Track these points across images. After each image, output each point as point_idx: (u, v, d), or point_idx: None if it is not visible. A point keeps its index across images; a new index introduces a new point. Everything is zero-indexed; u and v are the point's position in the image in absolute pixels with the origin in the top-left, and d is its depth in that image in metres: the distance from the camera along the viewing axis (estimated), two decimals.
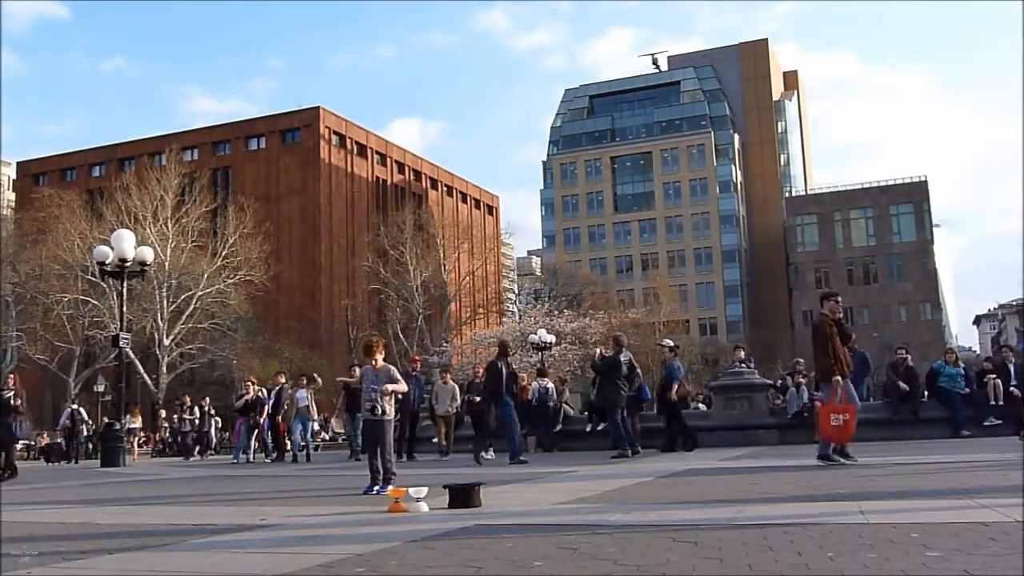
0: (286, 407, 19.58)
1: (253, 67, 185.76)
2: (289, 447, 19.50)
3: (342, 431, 29.09)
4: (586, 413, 19.14)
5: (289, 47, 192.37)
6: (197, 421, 26.36)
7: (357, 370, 17.40)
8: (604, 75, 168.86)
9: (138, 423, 28.08)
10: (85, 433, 28.91)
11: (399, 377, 8.69)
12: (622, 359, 14.40)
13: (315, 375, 21.51)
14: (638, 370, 15.60)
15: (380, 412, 8.38)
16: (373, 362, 8.55)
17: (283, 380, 20.95)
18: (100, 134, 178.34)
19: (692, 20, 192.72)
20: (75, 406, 28.98)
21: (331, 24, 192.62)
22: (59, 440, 29.19)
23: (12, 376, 18.33)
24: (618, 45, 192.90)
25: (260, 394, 20.36)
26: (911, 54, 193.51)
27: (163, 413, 35.12)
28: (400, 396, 9.19)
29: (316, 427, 21.35)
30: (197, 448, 25.40)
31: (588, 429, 17.73)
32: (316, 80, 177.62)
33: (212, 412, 27.04)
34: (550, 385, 19.10)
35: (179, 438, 26.88)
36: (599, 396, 16.00)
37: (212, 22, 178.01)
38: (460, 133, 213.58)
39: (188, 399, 28.15)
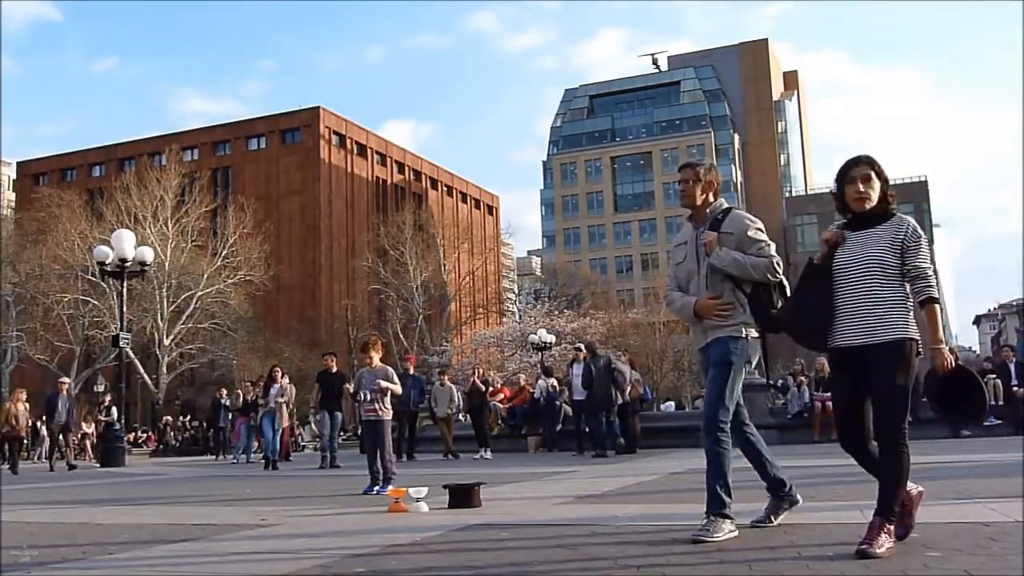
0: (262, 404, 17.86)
1: (245, 68, 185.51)
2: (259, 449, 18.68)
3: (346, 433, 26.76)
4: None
5: (281, 49, 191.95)
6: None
7: (331, 359, 16.76)
8: (596, 76, 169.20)
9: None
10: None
11: (396, 380, 8.68)
12: (595, 366, 15.05)
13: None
14: (619, 368, 15.54)
15: (380, 412, 8.38)
16: (368, 361, 8.52)
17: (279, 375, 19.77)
18: (95, 134, 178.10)
19: (683, 21, 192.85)
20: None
21: (322, 26, 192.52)
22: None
23: None
24: (609, 46, 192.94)
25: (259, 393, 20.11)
26: (907, 54, 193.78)
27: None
28: (395, 396, 9.06)
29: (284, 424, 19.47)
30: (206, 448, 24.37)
31: (588, 429, 17.69)
32: (309, 82, 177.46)
33: (228, 404, 23.82)
34: (556, 384, 19.14)
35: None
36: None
37: (204, 23, 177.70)
38: (456, 135, 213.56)
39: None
